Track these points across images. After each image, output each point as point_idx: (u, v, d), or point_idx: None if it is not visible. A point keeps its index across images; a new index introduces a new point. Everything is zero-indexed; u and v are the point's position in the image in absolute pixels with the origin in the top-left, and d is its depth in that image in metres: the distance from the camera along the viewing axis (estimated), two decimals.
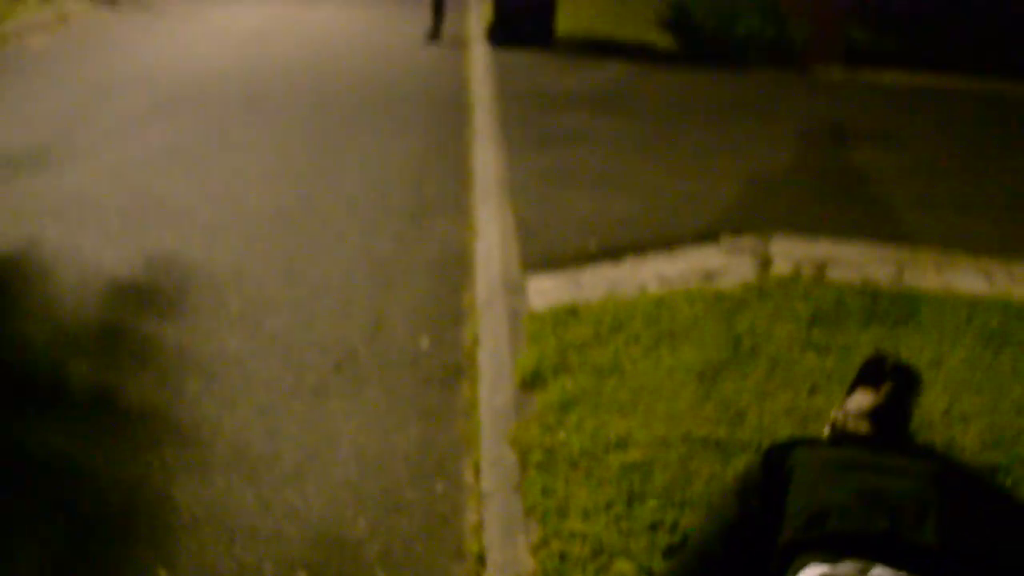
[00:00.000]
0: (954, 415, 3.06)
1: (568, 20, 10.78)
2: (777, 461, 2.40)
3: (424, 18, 10.82)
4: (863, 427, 2.56)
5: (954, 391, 3.21)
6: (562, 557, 2.44)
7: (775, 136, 6.70)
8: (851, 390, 2.73)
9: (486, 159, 5.98)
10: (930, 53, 10.40)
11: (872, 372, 2.72)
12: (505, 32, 9.88)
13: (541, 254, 4.44)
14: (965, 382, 3.29)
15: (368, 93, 7.85)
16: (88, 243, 4.56)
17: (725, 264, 4.34)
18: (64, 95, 7.37)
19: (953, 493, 2.23)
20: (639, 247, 4.54)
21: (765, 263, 4.34)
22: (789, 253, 4.44)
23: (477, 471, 2.95)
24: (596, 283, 4.13)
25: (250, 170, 5.77)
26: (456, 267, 4.54)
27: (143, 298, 4.05)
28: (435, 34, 10.42)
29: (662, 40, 10.22)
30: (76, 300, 3.98)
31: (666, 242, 4.60)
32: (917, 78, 9.25)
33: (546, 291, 4.05)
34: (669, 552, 2.43)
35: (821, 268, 4.28)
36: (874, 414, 2.58)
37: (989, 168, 6.19)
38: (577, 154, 6.03)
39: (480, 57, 9.33)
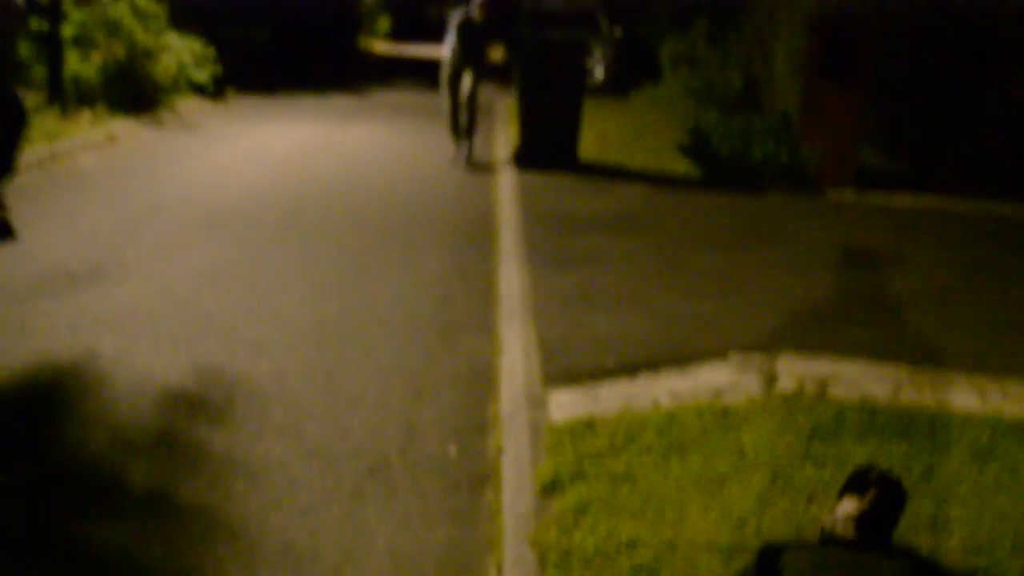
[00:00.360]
0: (939, 522, 3.33)
1: (591, 146, 11.28)
2: (770, 561, 2.70)
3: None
4: (849, 531, 2.84)
5: (940, 501, 3.48)
6: None
7: (786, 259, 7.07)
8: (840, 497, 3.01)
9: (510, 278, 6.36)
10: (940, 177, 10.83)
11: (859, 481, 3.00)
12: (530, 156, 10.38)
13: (561, 370, 4.76)
14: (951, 493, 3.56)
15: (400, 213, 8.29)
16: (142, 354, 4.92)
17: (733, 381, 4.65)
18: (115, 212, 7.83)
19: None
20: (653, 364, 4.85)
21: (770, 380, 4.65)
22: (793, 371, 4.75)
23: (500, 570, 3.23)
24: (612, 398, 4.45)
25: (290, 286, 6.16)
26: (481, 380, 4.87)
27: (194, 406, 4.39)
28: (463, 157, 10.89)
29: (680, 165, 10.69)
30: (132, 407, 4.32)
31: (678, 360, 4.92)
32: (926, 201, 9.66)
33: (565, 405, 4.37)
34: None
35: (823, 385, 4.58)
36: (859, 520, 2.86)
37: (991, 289, 6.53)
38: (597, 275, 6.39)
39: (506, 179, 9.80)
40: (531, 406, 4.34)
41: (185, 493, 3.64)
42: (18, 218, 7.40)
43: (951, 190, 10.10)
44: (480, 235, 7.73)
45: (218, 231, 7.43)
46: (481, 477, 3.89)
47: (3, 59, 7.46)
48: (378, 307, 5.86)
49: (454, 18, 10.95)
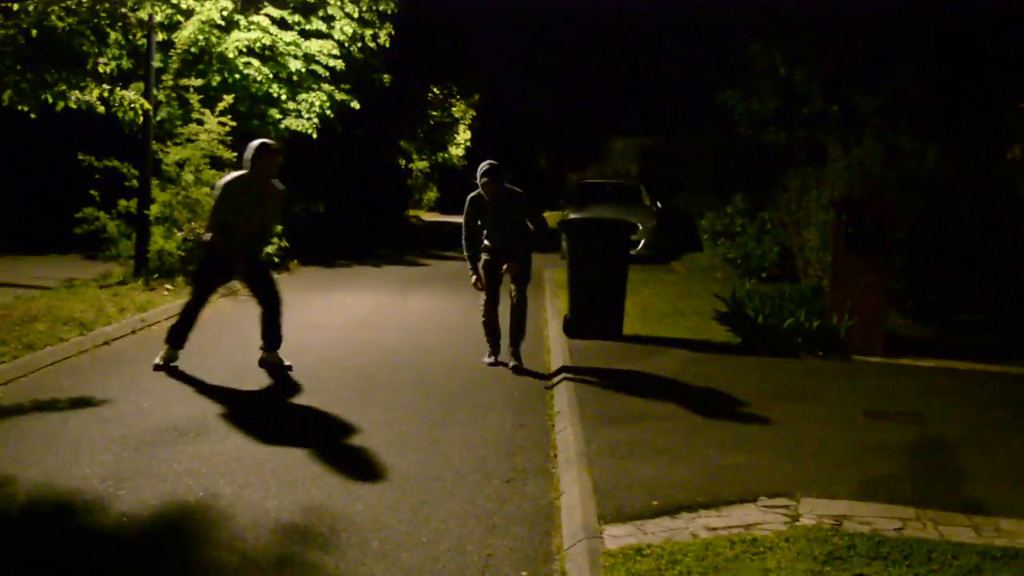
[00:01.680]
0: None
1: (635, 314, 12.23)
2: None
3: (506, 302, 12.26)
4: None
5: None
6: None
7: (814, 416, 7.87)
8: None
9: (565, 432, 7.20)
10: (964, 342, 11.65)
11: None
12: (578, 328, 11.30)
13: (613, 509, 5.56)
14: None
15: (462, 376, 9.20)
16: (254, 495, 5.78)
17: (761, 519, 5.43)
18: (208, 375, 8.82)
19: None
20: (691, 506, 5.64)
21: (794, 518, 5.43)
22: (814, 510, 5.53)
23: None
24: (657, 531, 5.24)
25: (371, 440, 7.04)
26: (545, 519, 5.67)
27: (304, 536, 5.23)
28: (496, 361, 9.88)
29: (718, 333, 11.56)
30: (254, 537, 5.17)
31: (714, 503, 5.70)
32: (949, 364, 10.43)
33: (618, 536, 5.16)
34: None
35: (839, 521, 5.36)
36: None
37: (1000, 444, 7.25)
38: (642, 430, 7.22)
39: (556, 345, 10.72)
40: (588, 538, 5.13)
41: None
42: (125, 380, 8.47)
43: (975, 355, 10.89)
44: (536, 397, 8.60)
45: (300, 395, 8.36)
46: None
47: (262, 238, 9.14)
48: (451, 458, 6.71)
49: (468, 205, 9.93)
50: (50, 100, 10.49)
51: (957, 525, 5.42)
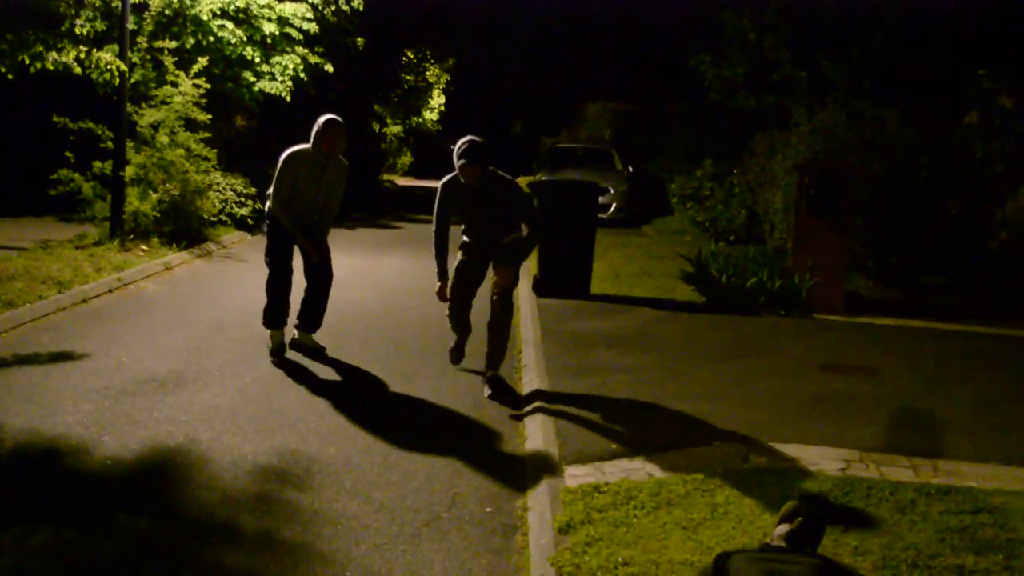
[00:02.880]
0: (860, 551, 4.39)
1: (603, 274, 12.52)
2: (722, 563, 3.77)
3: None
4: (782, 544, 3.92)
5: (862, 536, 4.55)
6: None
7: (772, 369, 8.19)
8: (777, 524, 4.08)
9: (531, 384, 7.49)
10: (924, 302, 12.02)
11: (792, 512, 4.08)
12: (547, 286, 11.58)
13: (575, 452, 5.86)
14: (874, 531, 4.63)
15: (433, 333, 9.44)
16: (232, 441, 6.04)
17: (715, 461, 5.74)
18: (185, 331, 9.04)
19: (832, 568, 3.59)
20: (649, 450, 5.94)
21: (745, 459, 5.74)
22: (764, 453, 5.85)
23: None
24: (615, 471, 5.55)
25: (345, 391, 7.32)
26: (510, 461, 5.97)
27: (281, 477, 5.50)
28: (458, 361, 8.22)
29: (684, 293, 11.87)
30: (233, 477, 5.44)
31: (670, 447, 6.01)
32: (908, 322, 10.78)
33: (578, 476, 5.46)
34: None
35: (788, 462, 5.68)
36: (788, 537, 3.94)
37: (946, 395, 7.59)
38: (605, 381, 7.52)
39: (526, 303, 10.99)
40: (551, 477, 5.43)
41: (285, 534, 4.74)
42: (104, 336, 8.68)
43: (932, 314, 11.26)
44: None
45: None
46: (513, 527, 4.97)
47: (326, 216, 8.38)
48: (421, 408, 7.00)
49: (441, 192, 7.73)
50: (27, 61, 10.61)
51: (897, 466, 5.75)
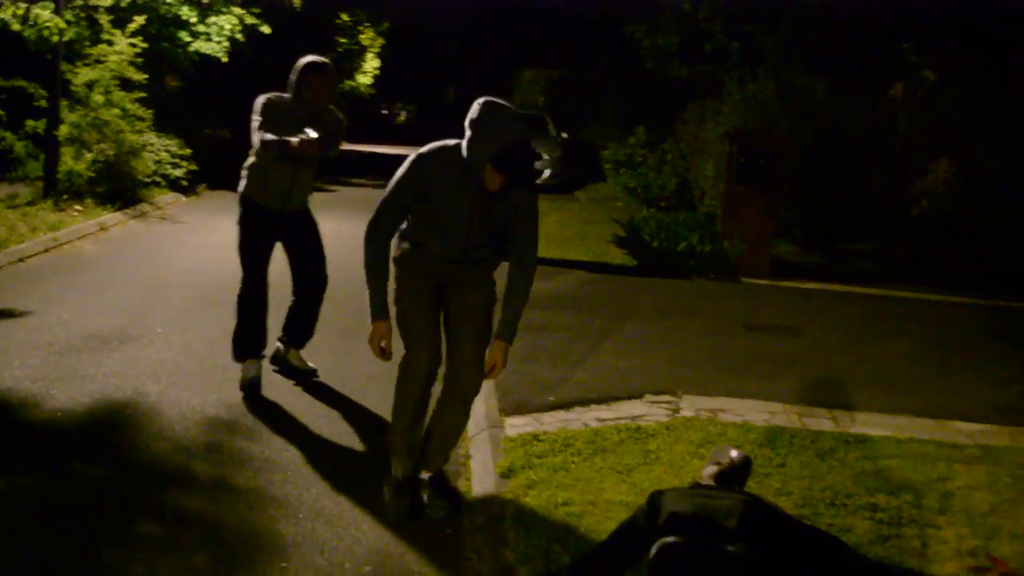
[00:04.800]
0: (782, 492, 4.71)
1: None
2: (656, 499, 4.04)
3: None
4: (711, 483, 4.20)
5: (784, 478, 4.87)
6: (524, 555, 4.03)
7: (701, 329, 8.51)
8: (706, 467, 4.37)
9: None
10: (847, 268, 12.47)
11: (720, 454, 4.37)
12: None
13: (513, 404, 6.11)
14: (798, 477, 4.95)
15: None
16: (180, 394, 6.20)
17: (646, 412, 6.04)
18: (126, 290, 9.11)
19: (754, 508, 3.87)
20: (584, 402, 6.22)
21: (675, 411, 6.04)
22: (693, 405, 6.16)
23: (472, 522, 4.55)
24: (553, 422, 5.81)
25: None
26: None
27: (230, 428, 5.68)
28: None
29: (616, 257, 12.17)
30: (183, 428, 5.61)
31: (604, 399, 6.29)
32: (831, 286, 11.22)
33: (517, 426, 5.72)
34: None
35: (715, 413, 5.99)
36: (717, 476, 4.23)
37: (864, 353, 7.98)
38: (541, 340, 7.77)
39: None
40: (491, 427, 5.68)
41: (238, 479, 4.94)
42: (44, 295, 8.72)
43: (855, 279, 11.71)
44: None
45: (218, 307, 8.67)
46: (456, 472, 5.21)
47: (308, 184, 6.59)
48: (362, 363, 7.16)
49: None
50: None
51: (818, 417, 6.10)
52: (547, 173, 21.25)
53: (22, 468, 5.00)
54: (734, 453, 4.45)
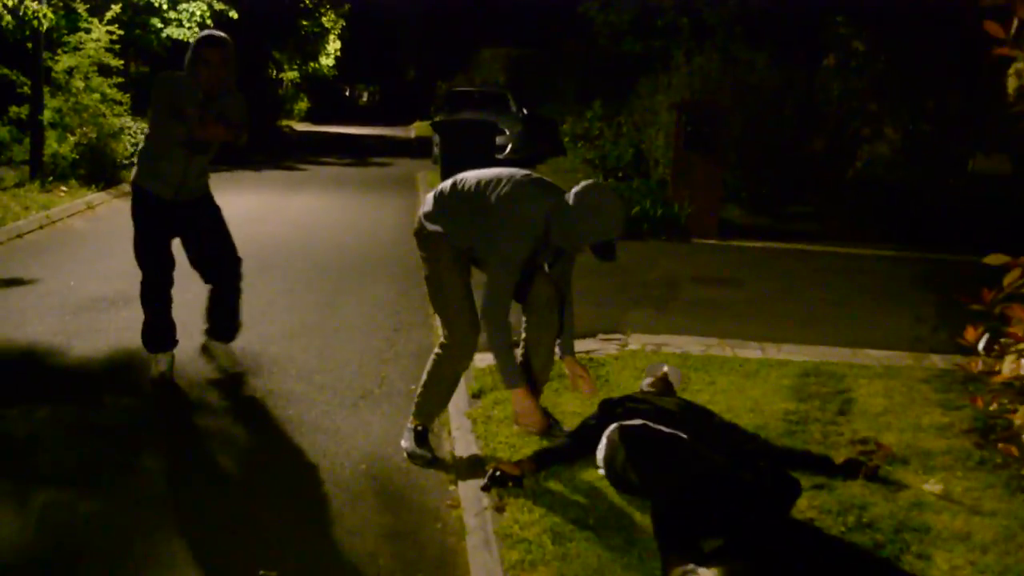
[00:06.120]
0: (710, 403, 5.59)
1: None
2: (605, 404, 4.91)
3: (387, 203, 13.41)
4: (650, 393, 5.09)
5: (713, 392, 5.77)
6: (491, 449, 4.89)
7: (650, 282, 9.40)
8: (644, 379, 5.25)
9: None
10: (789, 228, 13.40)
11: (653, 370, 5.26)
12: None
13: (482, 344, 6.94)
14: (725, 391, 5.85)
15: (350, 258, 10.43)
16: (186, 343, 6.95)
17: (599, 347, 6.92)
18: (120, 260, 9.78)
19: (687, 406, 4.77)
20: None
21: (624, 346, 6.92)
22: (640, 341, 7.04)
23: (449, 430, 5.41)
24: (516, 356, 6.65)
25: (277, 305, 8.29)
26: (427, 353, 6.92)
27: (236, 368, 6.50)
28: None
29: None
30: (195, 369, 6.44)
31: None
32: (773, 244, 12.15)
33: (485, 359, 6.54)
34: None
35: (658, 347, 6.87)
36: (654, 385, 5.12)
37: (796, 299, 8.90)
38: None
39: None
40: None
41: (248, 405, 5.79)
42: (47, 265, 9.45)
43: (797, 238, 12.64)
44: (418, 274, 9.92)
45: None
46: None
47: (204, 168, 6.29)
48: (347, 316, 8.02)
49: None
50: None
51: (749, 349, 7.00)
52: (509, 147, 22.05)
53: (60, 399, 5.80)
54: (665, 367, 5.35)
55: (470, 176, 4.98)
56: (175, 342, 6.33)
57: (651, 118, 16.53)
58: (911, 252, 11.86)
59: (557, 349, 5.22)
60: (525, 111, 24.64)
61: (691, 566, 3.40)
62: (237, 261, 6.40)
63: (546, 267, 5.16)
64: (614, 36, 20.91)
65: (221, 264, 6.34)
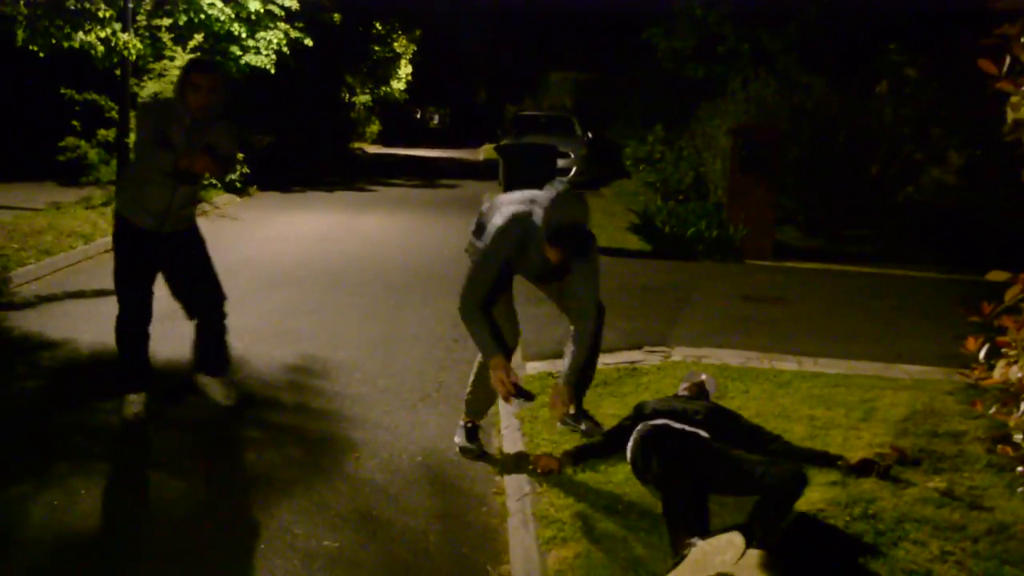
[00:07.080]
0: (742, 408, 6.01)
1: None
2: (640, 406, 5.37)
3: (453, 223, 13.97)
4: (685, 395, 5.54)
5: (745, 400, 6.20)
6: (535, 446, 5.38)
7: (701, 300, 9.82)
8: (681, 384, 5.70)
9: None
10: (845, 250, 13.72)
11: (691, 377, 5.70)
12: None
13: (534, 353, 7.46)
14: (757, 398, 6.27)
15: (415, 273, 11.00)
16: (263, 349, 7.59)
17: (643, 359, 7.37)
18: None
19: (715, 409, 5.21)
20: None
21: (667, 357, 7.37)
22: (682, 354, 7.49)
23: (499, 429, 5.91)
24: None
25: (347, 316, 8.87)
26: None
27: (305, 372, 7.08)
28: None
29: (634, 243, 13.48)
30: (269, 371, 7.01)
31: (610, 350, 7.60)
32: (826, 266, 12.49)
33: (537, 367, 7.07)
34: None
35: (699, 359, 7.31)
36: (689, 390, 5.57)
37: (840, 317, 9.26)
38: (555, 308, 9.09)
39: None
40: (517, 368, 7.02)
41: (316, 405, 6.34)
42: None
43: (851, 260, 12.97)
44: None
45: (282, 286, 10.13)
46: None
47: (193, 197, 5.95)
48: (409, 327, 8.56)
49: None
50: (54, 41, 12.00)
51: (786, 362, 7.41)
52: (573, 171, 22.57)
53: (157, 395, 6.40)
54: (703, 375, 5.80)
55: (501, 197, 5.59)
56: (150, 383, 6.09)
57: (710, 142, 16.93)
58: (963, 274, 12.10)
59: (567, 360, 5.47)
60: (590, 135, 25.14)
61: (695, 539, 3.86)
62: (221, 299, 6.13)
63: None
64: (677, 61, 21.34)
65: (204, 300, 6.09)
